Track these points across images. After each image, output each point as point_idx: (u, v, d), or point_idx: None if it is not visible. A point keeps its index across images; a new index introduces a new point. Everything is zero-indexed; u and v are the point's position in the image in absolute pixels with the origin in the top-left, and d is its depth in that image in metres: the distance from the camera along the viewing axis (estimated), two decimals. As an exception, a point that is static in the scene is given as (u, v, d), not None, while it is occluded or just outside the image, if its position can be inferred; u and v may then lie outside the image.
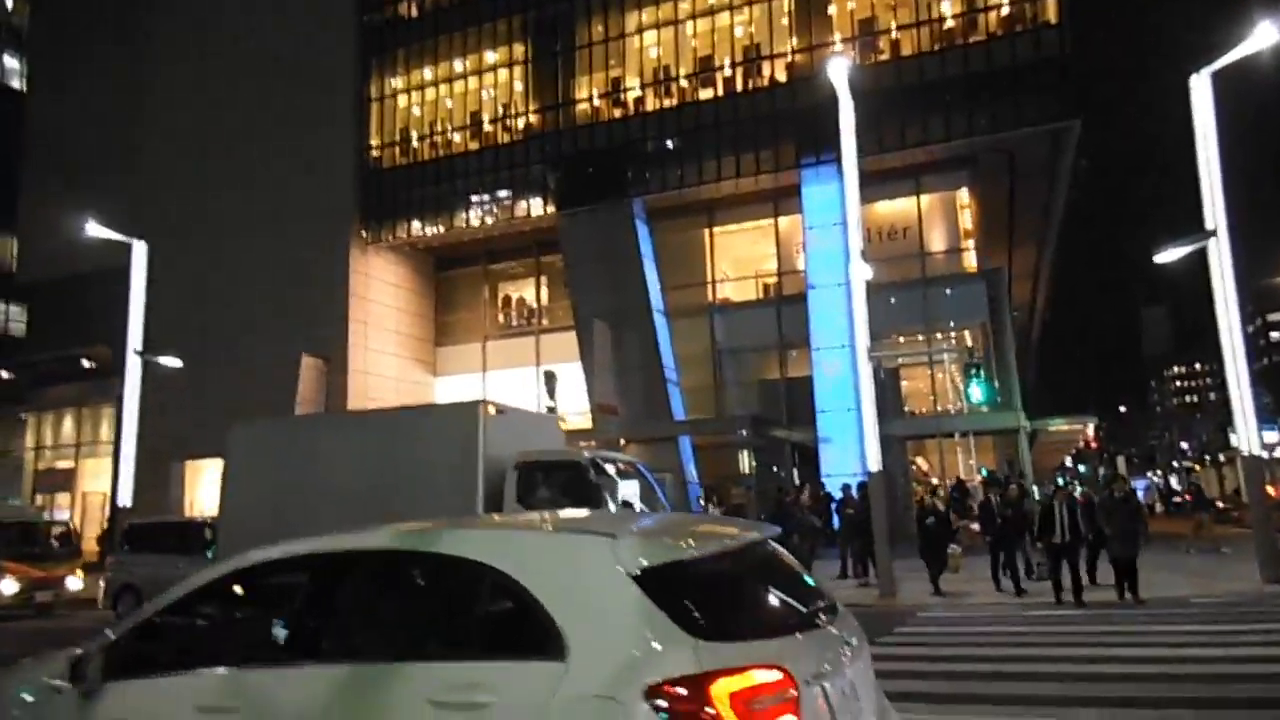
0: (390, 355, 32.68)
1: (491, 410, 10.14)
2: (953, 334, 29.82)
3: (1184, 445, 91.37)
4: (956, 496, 22.72)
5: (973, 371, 14.54)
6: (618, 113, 29.06)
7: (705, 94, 27.96)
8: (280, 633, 2.93)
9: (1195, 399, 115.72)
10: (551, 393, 16.96)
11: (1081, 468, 65.78)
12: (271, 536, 9.70)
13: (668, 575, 2.53)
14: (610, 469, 10.11)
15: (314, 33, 32.86)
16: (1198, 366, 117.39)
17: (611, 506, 9.44)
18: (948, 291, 27.93)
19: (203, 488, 30.64)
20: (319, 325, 30.63)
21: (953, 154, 26.85)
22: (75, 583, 17.68)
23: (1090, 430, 34.93)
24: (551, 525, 3.29)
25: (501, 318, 34.58)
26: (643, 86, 28.88)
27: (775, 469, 27.11)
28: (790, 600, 2.86)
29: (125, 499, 20.82)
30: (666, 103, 28.40)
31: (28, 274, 38.69)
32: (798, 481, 26.93)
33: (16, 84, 45.59)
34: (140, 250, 21.90)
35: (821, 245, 26.30)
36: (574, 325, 29.19)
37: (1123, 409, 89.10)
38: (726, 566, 2.82)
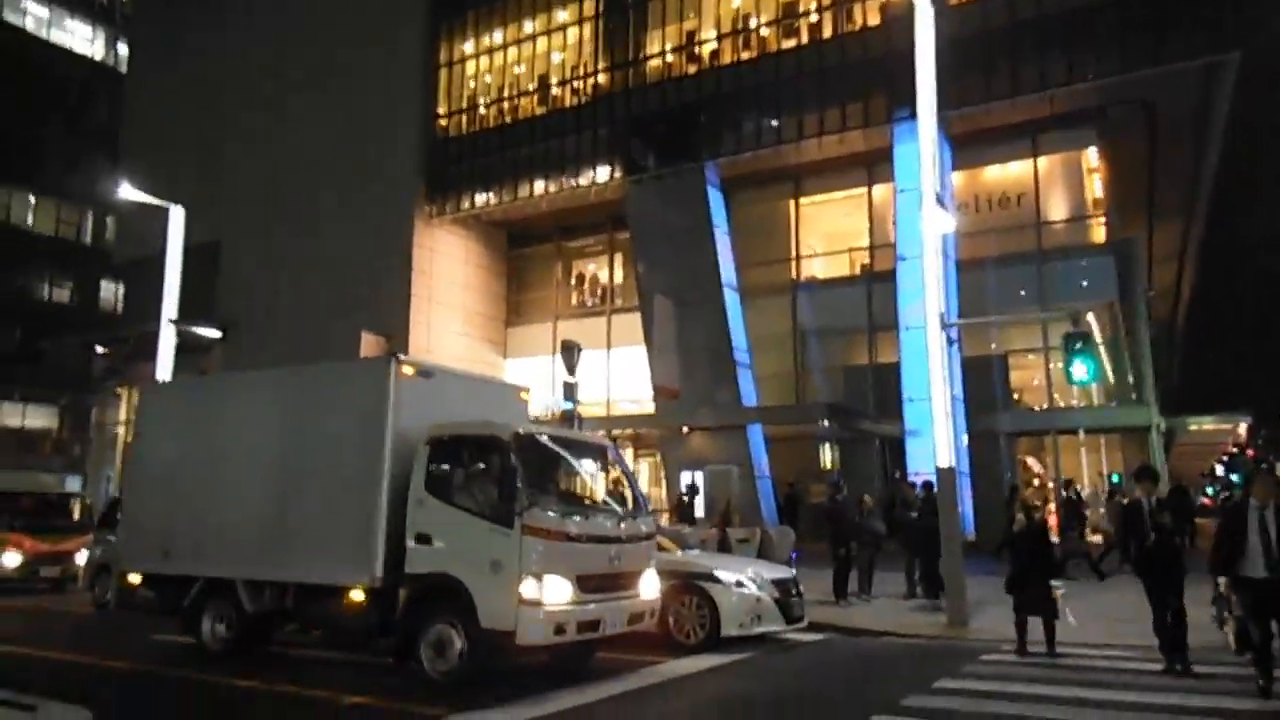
0: (457, 334, 31.27)
1: (408, 371, 7.91)
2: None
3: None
4: (1072, 504, 19.15)
5: (1076, 344, 11.31)
6: (691, 68, 26.47)
7: (788, 44, 25.01)
8: None
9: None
10: (571, 368, 14.66)
11: (1234, 476, 58.45)
12: (171, 517, 7.78)
13: None
14: (556, 448, 7.72)
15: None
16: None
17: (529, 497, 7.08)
18: (1071, 266, 24.06)
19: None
20: (382, 302, 29.52)
21: (1078, 106, 22.97)
22: (83, 557, 16.74)
23: (1243, 431, 29.93)
24: None
25: (574, 297, 32.67)
26: (719, 38, 26.19)
27: (896, 474, 23.59)
28: None
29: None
30: (744, 55, 25.61)
31: (124, 252, 39.43)
32: (914, 480, 23.65)
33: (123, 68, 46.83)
34: (177, 215, 21.04)
35: (914, 211, 22.93)
36: (639, 303, 26.92)
37: (1286, 413, 79.30)
38: None
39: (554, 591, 6.83)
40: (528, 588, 6.74)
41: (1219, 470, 62.72)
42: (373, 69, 31.27)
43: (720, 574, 9.36)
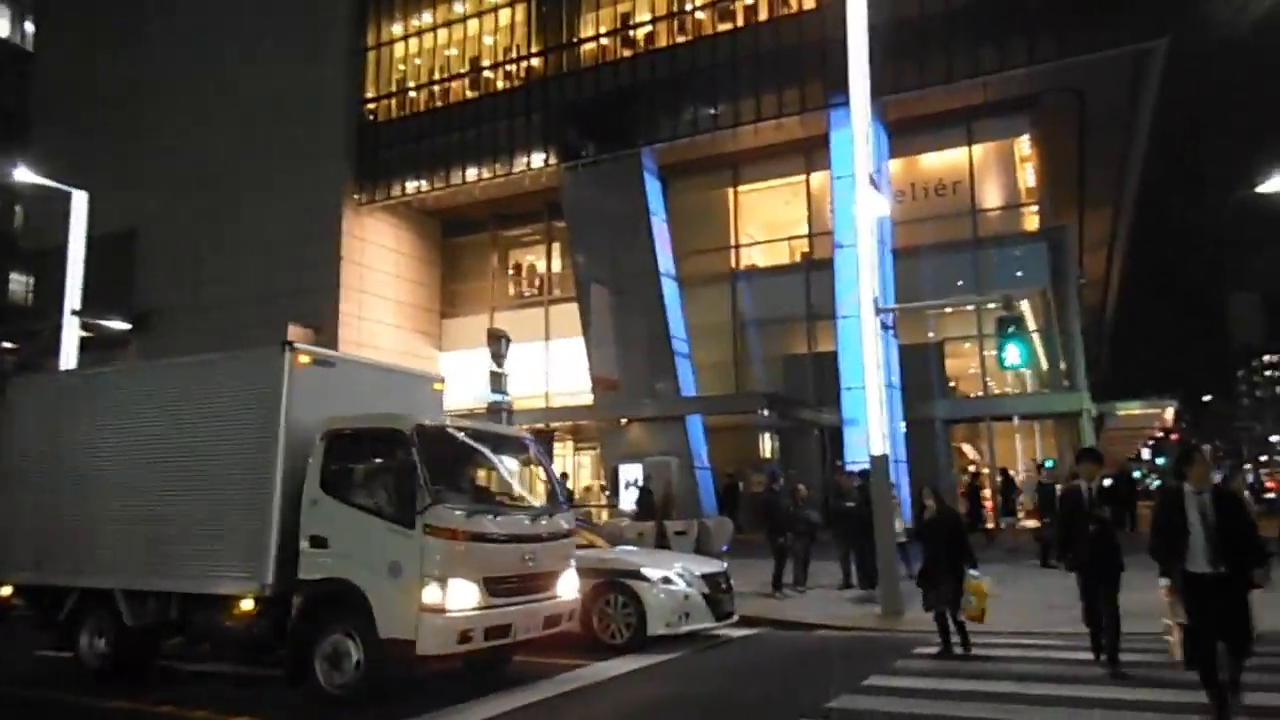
0: (389, 326, 30.31)
1: (304, 360, 7.28)
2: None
3: (1275, 438, 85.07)
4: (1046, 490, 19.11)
5: (1009, 329, 11.16)
6: (626, 52, 25.94)
7: (724, 27, 24.64)
8: None
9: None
10: (498, 358, 14.10)
11: (1160, 460, 60.24)
12: (43, 522, 6.95)
13: None
14: (467, 440, 7.17)
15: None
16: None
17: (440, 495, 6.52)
18: (1004, 253, 24.22)
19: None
20: (311, 293, 28.48)
21: (1011, 94, 23.12)
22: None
23: (1170, 416, 30.63)
24: None
25: (511, 288, 31.94)
26: (654, 21, 25.70)
27: (837, 463, 23.12)
28: None
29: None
30: (680, 39, 25.18)
31: (33, 240, 37.42)
32: (851, 469, 23.55)
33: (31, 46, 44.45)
34: (80, 200, 19.80)
35: (851, 198, 22.77)
36: (576, 293, 26.36)
37: (1208, 398, 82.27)
38: None
39: (458, 596, 6.29)
40: (429, 593, 6.19)
41: (1145, 454, 64.68)
42: (298, 51, 30.06)
43: (646, 571, 8.92)
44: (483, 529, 6.60)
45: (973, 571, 8.22)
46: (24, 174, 19.30)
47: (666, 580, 8.91)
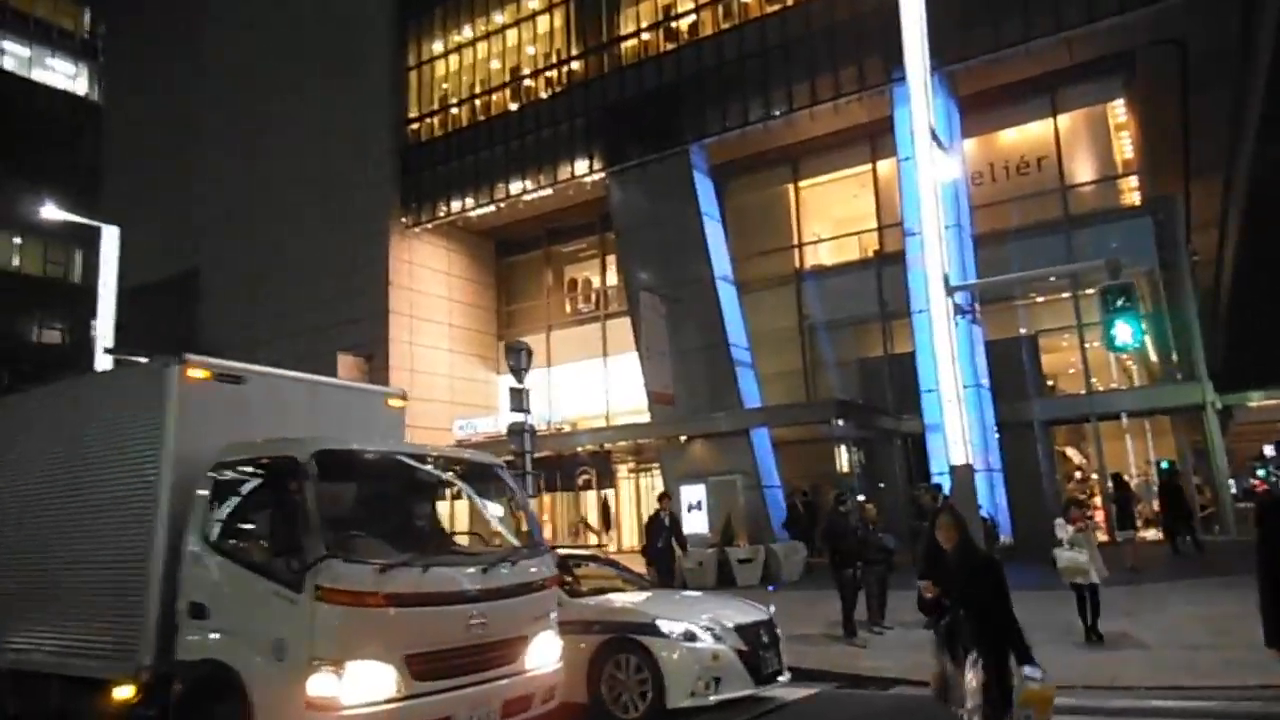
0: (443, 351, 29.32)
1: (198, 374, 5.77)
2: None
3: None
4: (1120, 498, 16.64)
5: (1117, 301, 8.95)
6: (669, 45, 24.36)
7: (771, 8, 22.81)
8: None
9: None
10: (517, 372, 12.52)
11: (1293, 458, 54.61)
12: None
13: None
14: (406, 470, 5.52)
15: (353, 6, 30.25)
16: None
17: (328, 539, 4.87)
18: (1103, 232, 21.47)
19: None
20: (361, 321, 27.78)
21: (1100, 53, 20.59)
22: None
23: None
24: None
25: (567, 305, 30.61)
26: (698, 10, 24.05)
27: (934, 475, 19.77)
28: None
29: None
30: (725, 26, 23.45)
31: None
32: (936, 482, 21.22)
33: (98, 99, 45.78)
34: (111, 235, 19.29)
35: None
36: (628, 305, 24.74)
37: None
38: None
39: (362, 685, 4.62)
40: (316, 682, 4.54)
41: (1268, 451, 58.92)
42: (343, 80, 29.64)
43: (664, 624, 7.05)
44: (404, 588, 4.91)
45: (1030, 671, 4.81)
46: (51, 211, 18.84)
47: (689, 636, 7.03)
